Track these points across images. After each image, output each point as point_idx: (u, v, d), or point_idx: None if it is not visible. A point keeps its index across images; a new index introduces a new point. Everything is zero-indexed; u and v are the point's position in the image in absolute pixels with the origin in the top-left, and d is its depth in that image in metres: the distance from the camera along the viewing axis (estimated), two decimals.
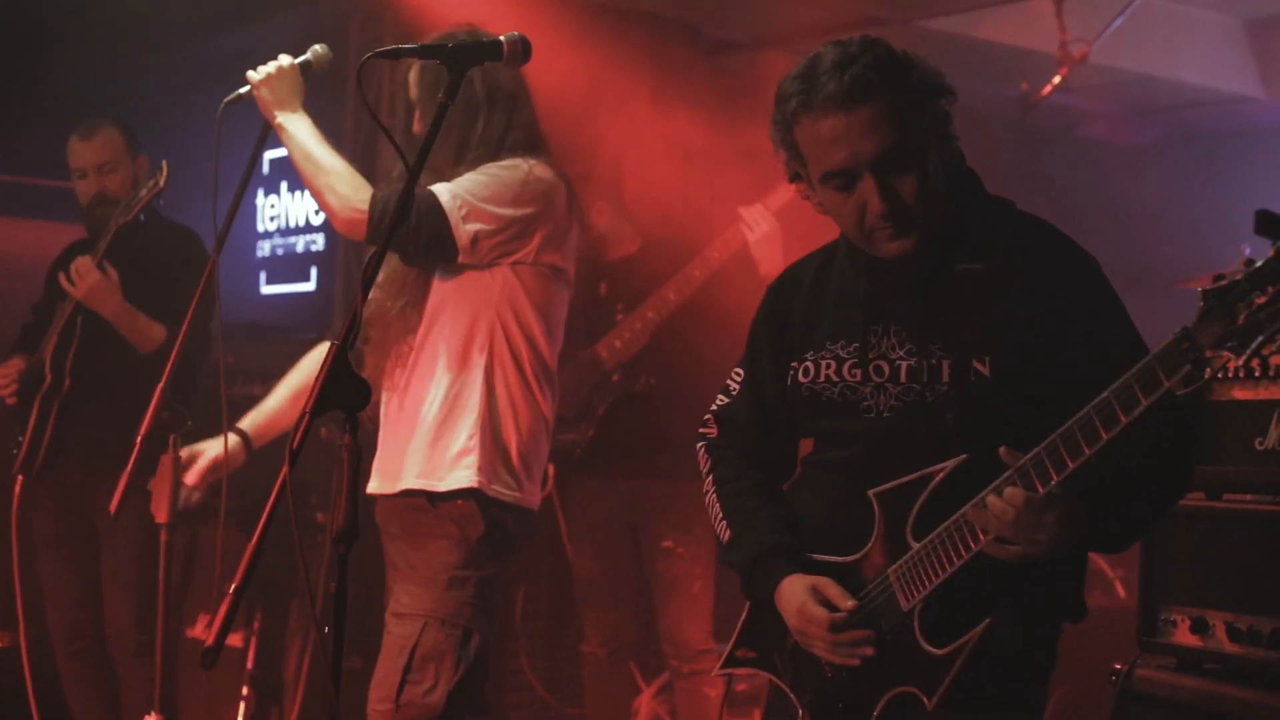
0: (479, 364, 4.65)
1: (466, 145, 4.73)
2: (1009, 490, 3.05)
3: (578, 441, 6.40)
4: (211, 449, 4.96)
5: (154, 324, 6.09)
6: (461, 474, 4.61)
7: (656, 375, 6.44)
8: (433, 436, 4.66)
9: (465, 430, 4.63)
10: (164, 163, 5.72)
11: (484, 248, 4.62)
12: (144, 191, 5.78)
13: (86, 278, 5.99)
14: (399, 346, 4.75)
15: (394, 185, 4.66)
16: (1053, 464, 3.02)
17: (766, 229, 6.36)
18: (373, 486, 4.81)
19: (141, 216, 5.88)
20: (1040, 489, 3.03)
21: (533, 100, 4.88)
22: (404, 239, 4.56)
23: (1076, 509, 3.07)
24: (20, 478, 6.33)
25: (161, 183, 5.70)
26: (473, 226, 4.57)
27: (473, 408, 4.64)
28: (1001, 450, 3.07)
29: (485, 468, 4.61)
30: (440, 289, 4.71)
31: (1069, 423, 2.99)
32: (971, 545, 3.15)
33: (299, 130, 4.67)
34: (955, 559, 3.17)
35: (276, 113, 4.66)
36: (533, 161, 4.70)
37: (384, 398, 4.83)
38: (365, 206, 4.57)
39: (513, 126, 4.76)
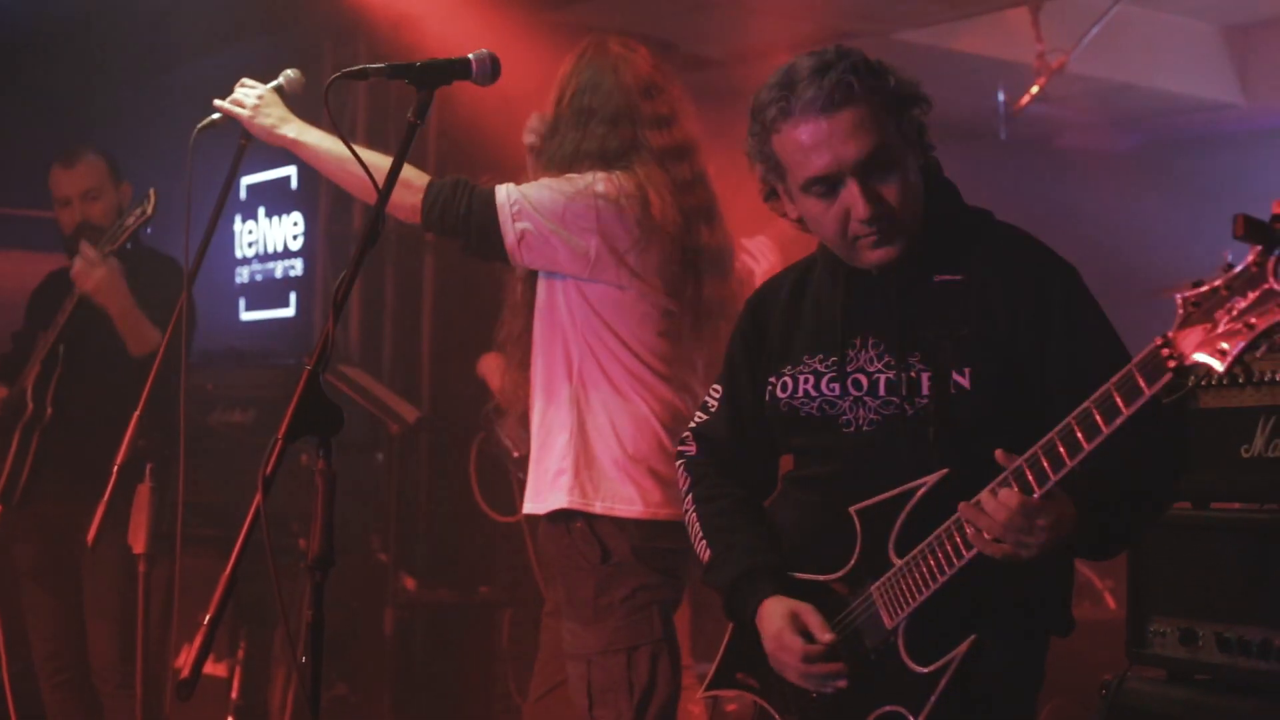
0: (564, 384, 4.69)
1: (546, 159, 4.79)
2: (1003, 491, 3.01)
3: None
4: None
5: (152, 326, 6.03)
6: (557, 495, 4.65)
7: None
8: (536, 459, 4.74)
9: (558, 451, 4.68)
10: (151, 191, 5.68)
11: (534, 251, 4.62)
12: (131, 219, 5.75)
13: (97, 266, 5.91)
14: (522, 372, 4.86)
15: (451, 176, 4.69)
16: (1034, 473, 2.99)
17: (773, 259, 6.33)
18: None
19: (128, 245, 5.83)
20: (1037, 490, 3.00)
21: (632, 109, 4.78)
22: (450, 227, 4.61)
23: (1068, 516, 3.04)
24: (0, 508, 6.29)
25: (149, 211, 5.67)
26: (520, 226, 4.57)
27: (563, 428, 4.68)
28: (997, 453, 3.04)
29: (578, 486, 4.64)
30: (536, 313, 4.78)
31: (1050, 433, 2.96)
32: (955, 561, 3.11)
33: (320, 139, 4.67)
34: (939, 575, 3.14)
35: (285, 132, 4.63)
36: (599, 175, 4.65)
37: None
38: (420, 193, 4.60)
39: (584, 141, 4.73)
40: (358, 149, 4.55)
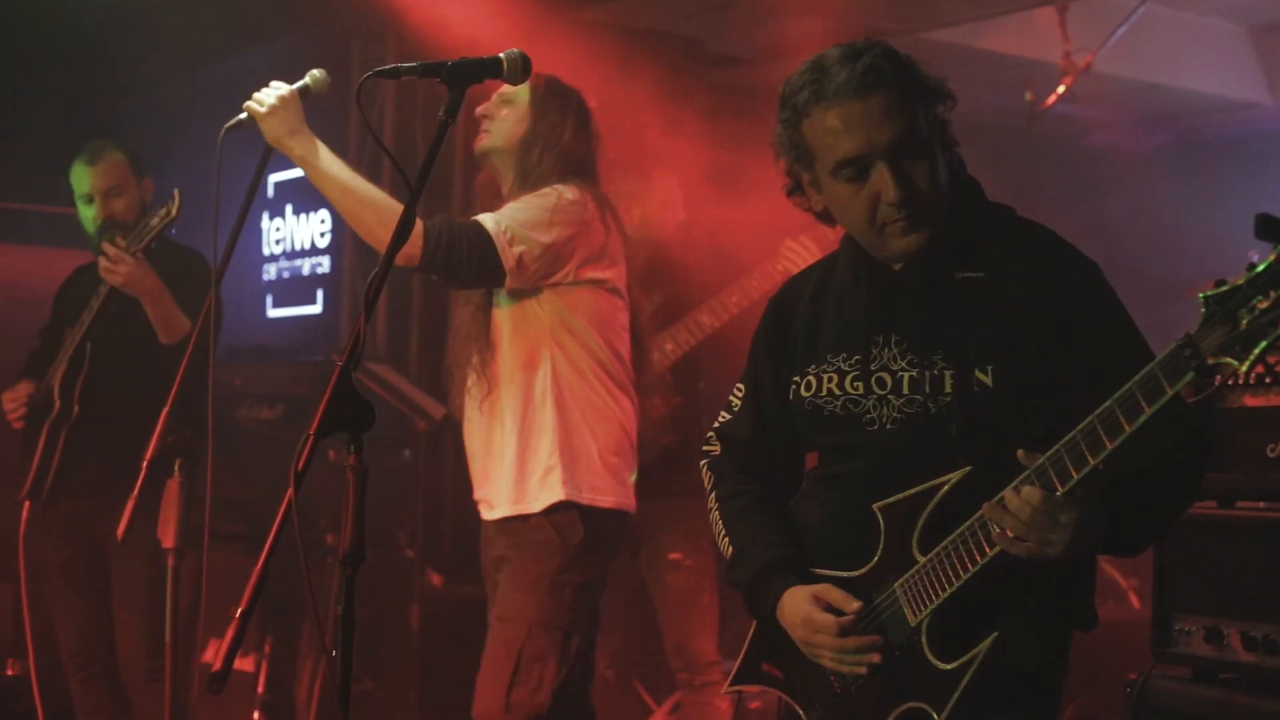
0: (544, 388, 4.87)
1: (517, 178, 4.99)
2: (1026, 489, 3.02)
3: None
4: None
5: (184, 315, 6.05)
6: (550, 491, 4.85)
7: (681, 394, 6.46)
8: (518, 465, 4.90)
9: (545, 451, 4.87)
10: (175, 191, 5.69)
11: (529, 270, 4.78)
12: (155, 220, 5.76)
13: (122, 262, 5.94)
14: (470, 382, 5.00)
15: (443, 215, 4.82)
16: (1056, 472, 3.00)
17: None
18: (484, 514, 5.07)
19: (154, 245, 5.86)
20: (1060, 487, 3.01)
21: (583, 121, 5.06)
22: (453, 267, 4.71)
23: (1092, 513, 3.04)
24: (27, 504, 6.32)
25: (174, 212, 5.68)
26: (517, 249, 4.73)
27: (547, 429, 4.87)
28: (1019, 453, 3.04)
29: (570, 480, 4.85)
30: (499, 323, 4.94)
31: (1073, 431, 2.97)
32: (978, 558, 3.12)
33: (328, 164, 4.69)
34: (963, 571, 3.14)
35: (293, 145, 4.64)
36: (561, 187, 4.88)
37: (465, 429, 5.10)
38: (420, 239, 4.65)
39: (545, 157, 4.96)
40: (363, 180, 4.66)
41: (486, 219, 4.75)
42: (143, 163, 6.48)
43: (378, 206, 4.64)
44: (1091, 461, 2.94)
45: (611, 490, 4.91)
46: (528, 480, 4.87)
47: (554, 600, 4.83)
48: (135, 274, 5.93)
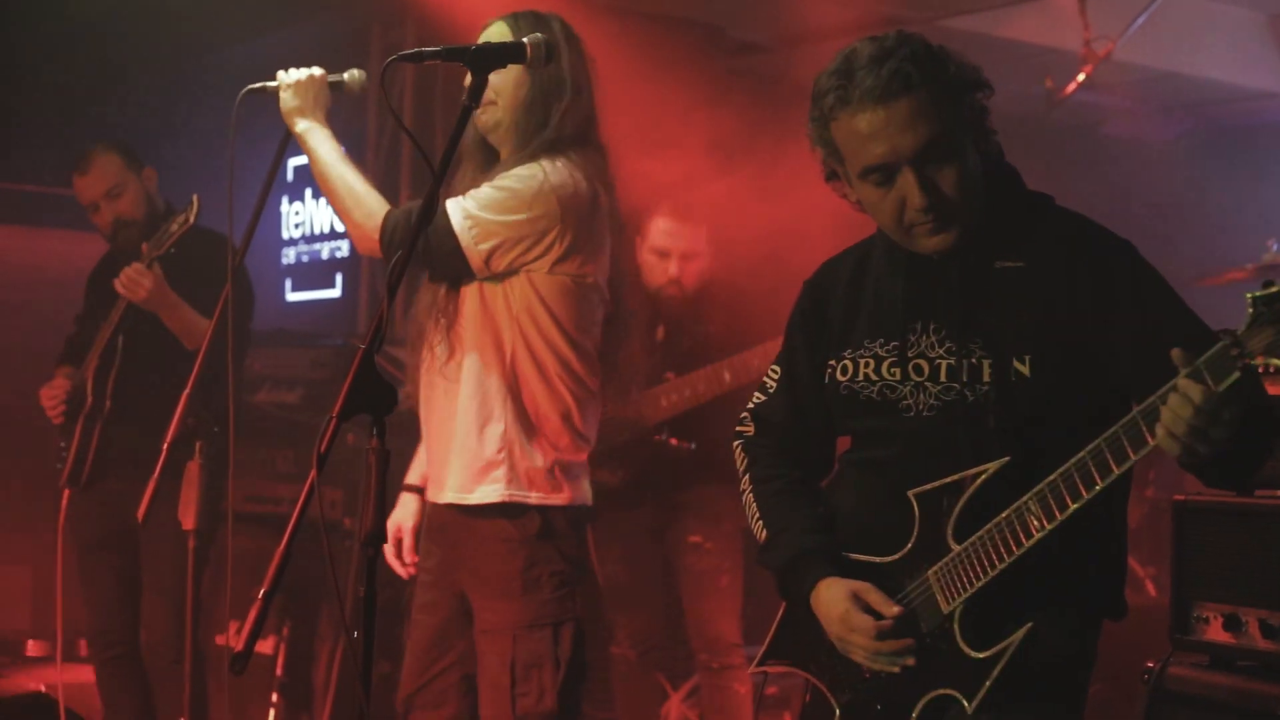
0: (500, 376, 4.61)
1: (516, 145, 4.67)
2: (1184, 382, 2.85)
3: (608, 482, 6.31)
4: (405, 521, 5.07)
5: (205, 320, 6.07)
6: (490, 487, 4.60)
7: (697, 439, 6.48)
8: (460, 447, 4.64)
9: (493, 443, 4.60)
10: (195, 197, 5.70)
11: (500, 262, 4.55)
12: (175, 226, 5.78)
13: (142, 282, 5.97)
14: (432, 361, 4.73)
15: (408, 204, 4.64)
16: (1081, 478, 3.01)
17: None
18: (430, 494, 4.85)
19: (173, 250, 5.87)
20: (1072, 500, 3.02)
21: (584, 66, 4.73)
22: (419, 262, 4.57)
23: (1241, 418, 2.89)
24: (67, 491, 6.36)
25: (191, 218, 5.69)
26: (485, 245, 4.50)
27: (497, 419, 4.61)
28: (1174, 352, 2.87)
29: (514, 479, 4.59)
30: (466, 304, 4.67)
31: (1115, 426, 2.97)
32: (1014, 548, 3.13)
33: (319, 146, 4.65)
34: (998, 561, 3.15)
35: (297, 120, 4.64)
36: (547, 165, 4.56)
37: (423, 412, 4.82)
38: (377, 231, 4.57)
39: (541, 129, 4.63)
40: (355, 170, 4.62)
41: (454, 209, 4.50)
42: (137, 153, 6.48)
43: (344, 192, 4.61)
44: (1115, 470, 2.95)
45: (560, 487, 4.63)
46: (470, 469, 4.61)
47: (532, 599, 4.60)
48: (151, 291, 5.97)
